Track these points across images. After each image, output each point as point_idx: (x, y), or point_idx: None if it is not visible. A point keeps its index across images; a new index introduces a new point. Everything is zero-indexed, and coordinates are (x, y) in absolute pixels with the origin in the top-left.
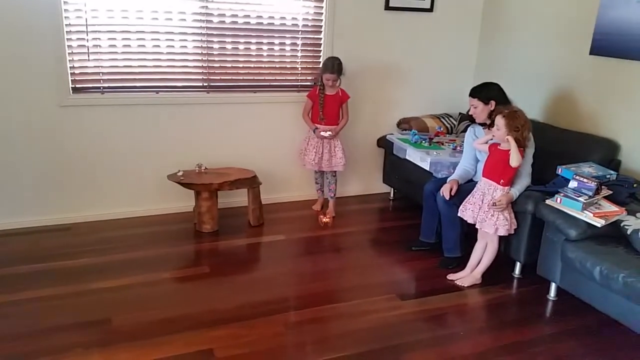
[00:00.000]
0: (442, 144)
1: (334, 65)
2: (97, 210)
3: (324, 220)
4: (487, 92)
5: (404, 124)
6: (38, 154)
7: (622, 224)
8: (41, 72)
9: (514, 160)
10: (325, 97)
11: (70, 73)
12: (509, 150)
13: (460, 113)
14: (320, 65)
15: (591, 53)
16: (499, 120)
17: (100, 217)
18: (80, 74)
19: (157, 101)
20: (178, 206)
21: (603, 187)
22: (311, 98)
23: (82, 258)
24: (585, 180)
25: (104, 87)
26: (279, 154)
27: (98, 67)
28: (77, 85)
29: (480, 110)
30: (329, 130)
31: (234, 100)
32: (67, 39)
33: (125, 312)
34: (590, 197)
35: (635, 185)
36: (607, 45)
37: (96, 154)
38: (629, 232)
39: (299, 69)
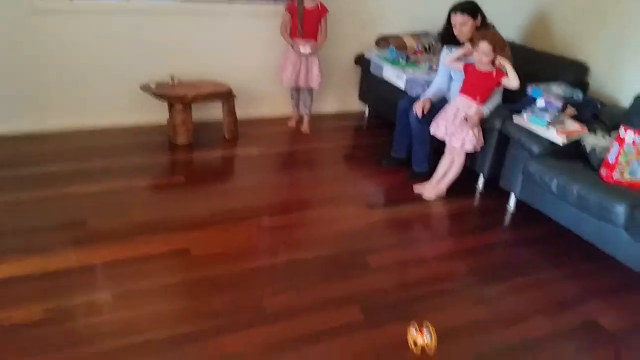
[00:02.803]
0: (419, 63)
1: None
2: (70, 120)
3: (421, 342)
4: (474, 7)
5: (383, 42)
6: (9, 62)
7: (582, 142)
8: None
9: (514, 82)
10: (305, 10)
11: None
12: (491, 72)
13: (439, 32)
14: None
15: None
16: (485, 47)
17: (74, 127)
18: None
19: (128, 10)
20: (152, 118)
21: (569, 106)
22: (290, 11)
23: (57, 165)
24: (552, 99)
25: None
26: (254, 69)
27: None
28: None
29: (469, 28)
30: (309, 47)
31: (209, 11)
32: None
33: (102, 215)
34: (555, 115)
35: (599, 106)
36: None
37: (68, 63)
38: (588, 149)
39: None
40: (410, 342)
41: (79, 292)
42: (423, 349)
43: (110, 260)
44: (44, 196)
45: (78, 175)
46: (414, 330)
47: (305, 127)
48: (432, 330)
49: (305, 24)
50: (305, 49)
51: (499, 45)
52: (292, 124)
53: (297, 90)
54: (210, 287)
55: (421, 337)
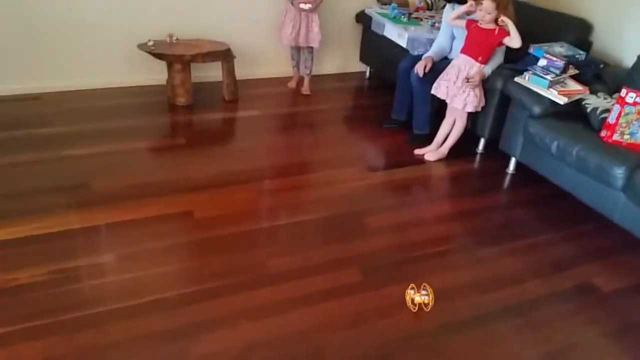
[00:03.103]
0: (421, 20)
1: None
2: (66, 80)
3: (418, 300)
4: None
5: None
6: (4, 22)
7: (583, 102)
8: None
9: (516, 41)
10: None
11: None
12: (494, 29)
13: None
14: None
15: None
16: (488, 4)
17: (70, 87)
18: None
19: None
20: (151, 78)
21: (571, 66)
22: None
23: (54, 127)
24: (554, 59)
25: None
26: (253, 28)
27: None
28: None
29: None
30: (308, 3)
31: None
32: None
33: (103, 177)
34: (557, 75)
35: (601, 66)
36: None
37: (63, 21)
38: (588, 110)
39: None
40: (408, 300)
41: (82, 253)
42: (420, 305)
43: (112, 222)
44: (43, 158)
45: (77, 136)
46: (412, 290)
47: (305, 88)
48: (429, 290)
49: None
50: (305, 4)
51: (502, 3)
52: (292, 84)
53: (297, 50)
54: (213, 248)
55: (419, 296)
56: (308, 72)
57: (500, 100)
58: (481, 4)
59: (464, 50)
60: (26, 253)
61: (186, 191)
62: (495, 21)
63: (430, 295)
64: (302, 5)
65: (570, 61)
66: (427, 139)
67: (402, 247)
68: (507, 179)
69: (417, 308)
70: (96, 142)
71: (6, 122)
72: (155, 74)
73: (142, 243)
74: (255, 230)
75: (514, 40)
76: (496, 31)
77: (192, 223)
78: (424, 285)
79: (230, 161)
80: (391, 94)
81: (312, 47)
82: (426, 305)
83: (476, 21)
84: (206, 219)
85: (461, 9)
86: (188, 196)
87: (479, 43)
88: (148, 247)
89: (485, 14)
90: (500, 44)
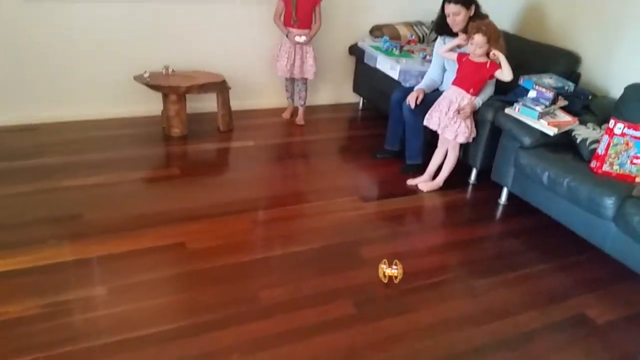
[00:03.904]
0: (413, 53)
1: None
2: (63, 111)
3: (389, 273)
4: None
5: (376, 31)
6: (1, 51)
7: (573, 133)
8: None
9: (508, 74)
10: None
11: None
12: (486, 62)
13: (432, 21)
14: None
15: None
16: (479, 39)
17: (67, 118)
18: None
19: None
20: (146, 109)
21: (560, 97)
22: None
23: (50, 157)
24: (543, 90)
25: None
26: (248, 60)
27: None
28: None
29: (462, 18)
30: (303, 35)
31: None
32: None
33: (97, 208)
34: (546, 106)
35: (590, 97)
36: None
37: (60, 52)
38: (578, 140)
39: None
40: (381, 274)
41: (74, 286)
42: (390, 278)
43: (105, 253)
44: (38, 189)
45: (72, 167)
46: (384, 265)
47: (299, 119)
48: (399, 266)
49: (299, 12)
50: (299, 37)
51: (493, 37)
52: (287, 115)
53: (291, 81)
54: (206, 280)
55: (390, 269)
56: (302, 102)
57: (491, 131)
58: (472, 37)
59: (455, 82)
60: (18, 286)
61: (179, 222)
62: (487, 54)
63: (400, 270)
64: (297, 38)
65: (559, 92)
66: (420, 169)
67: (395, 278)
68: (500, 209)
69: (387, 280)
70: (91, 173)
71: (3, 153)
72: (151, 104)
73: (135, 275)
74: (248, 261)
75: (505, 74)
76: (488, 64)
77: (185, 254)
78: (395, 262)
79: (224, 191)
80: (384, 124)
81: (306, 79)
82: (396, 277)
83: (467, 54)
84: (199, 250)
85: (453, 42)
86: (181, 227)
87: (470, 75)
88: (140, 279)
89: (476, 47)
90: (492, 76)
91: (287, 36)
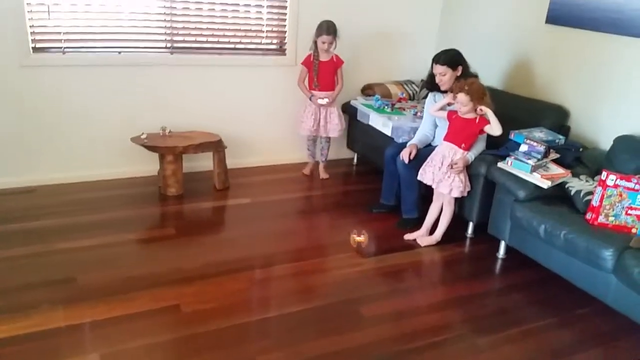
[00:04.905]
0: (404, 110)
1: (329, 27)
2: (60, 172)
3: (357, 239)
4: (454, 58)
5: (368, 90)
6: None
7: (566, 186)
8: (0, 32)
9: (497, 129)
10: (320, 63)
11: (30, 32)
12: (475, 118)
13: (422, 80)
14: (314, 29)
15: (547, 22)
16: (461, 97)
17: (64, 179)
18: (41, 33)
19: (119, 62)
20: (142, 169)
21: (551, 150)
22: (306, 65)
23: (47, 219)
24: (535, 144)
25: (65, 47)
26: (244, 118)
27: (59, 26)
28: (37, 45)
29: (448, 78)
30: (326, 97)
31: (198, 62)
32: None
33: (91, 271)
34: (539, 160)
35: (581, 149)
36: (562, 14)
37: (58, 115)
38: (572, 192)
39: (264, 31)
40: (352, 241)
41: (66, 354)
42: (359, 243)
43: (98, 318)
44: (32, 252)
45: (68, 229)
46: (354, 234)
47: (322, 173)
48: (365, 235)
49: (321, 77)
50: (322, 100)
51: (476, 95)
52: (307, 171)
53: (313, 141)
54: (201, 345)
55: (359, 237)
56: (324, 159)
57: (485, 185)
58: (456, 97)
59: (447, 138)
60: (8, 355)
61: (174, 283)
62: (476, 110)
63: (365, 236)
64: (319, 101)
65: (550, 146)
66: (417, 223)
67: (397, 339)
68: (499, 263)
69: (356, 245)
70: (87, 235)
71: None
72: (147, 164)
73: (128, 341)
74: (244, 323)
75: (494, 129)
76: (477, 120)
77: (179, 318)
78: (363, 231)
79: (219, 251)
80: (379, 179)
81: (329, 137)
82: (362, 242)
83: (457, 111)
84: (194, 312)
85: (442, 101)
86: (176, 289)
87: (460, 132)
88: (133, 345)
89: (461, 106)
90: (482, 131)
91: (310, 99)
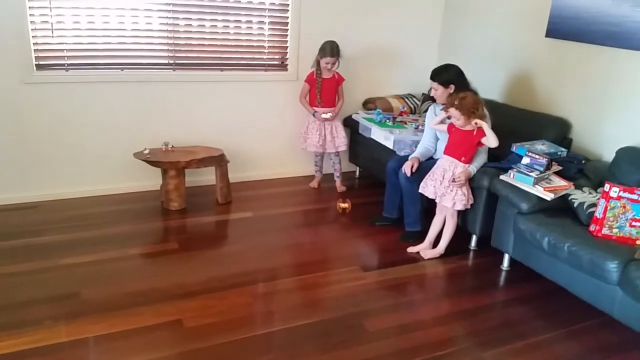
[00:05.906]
0: (405, 123)
1: (333, 49)
2: (63, 188)
3: (342, 206)
4: (446, 75)
5: (369, 104)
6: (2, 132)
7: (569, 198)
8: (3, 49)
9: (492, 141)
10: (323, 80)
11: (34, 50)
12: (473, 130)
13: (423, 93)
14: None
15: (547, 36)
16: (454, 112)
17: (67, 195)
18: (44, 50)
19: (122, 78)
20: (145, 184)
21: (554, 163)
22: (309, 82)
23: (50, 235)
24: (537, 156)
25: (68, 64)
26: (246, 133)
27: (62, 43)
28: (40, 62)
29: (440, 93)
30: (329, 112)
31: (201, 78)
32: (30, 14)
33: (94, 286)
34: (541, 172)
35: (583, 161)
36: (561, 28)
37: (61, 131)
38: (575, 205)
39: (266, 47)
40: (338, 208)
41: None
42: (344, 209)
43: (101, 333)
44: (36, 268)
45: (71, 245)
46: (340, 202)
47: (339, 186)
48: (348, 202)
49: (324, 93)
50: (326, 114)
51: (465, 110)
52: (315, 184)
53: (320, 156)
54: None
55: (343, 203)
56: (338, 174)
57: (487, 197)
58: (448, 111)
59: (447, 152)
60: None
61: (177, 298)
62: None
63: (349, 204)
64: (323, 115)
65: (552, 158)
66: (420, 236)
67: (401, 353)
68: (502, 275)
69: (341, 211)
70: (89, 250)
71: (3, 232)
72: (150, 179)
73: (131, 356)
74: (247, 338)
75: (490, 140)
76: (474, 132)
77: (181, 333)
78: (347, 199)
79: (222, 265)
80: (381, 192)
81: (339, 152)
82: (347, 209)
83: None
84: (196, 327)
85: (442, 115)
86: (179, 303)
87: (459, 144)
88: None
89: (455, 120)
90: (480, 143)
91: (313, 115)
